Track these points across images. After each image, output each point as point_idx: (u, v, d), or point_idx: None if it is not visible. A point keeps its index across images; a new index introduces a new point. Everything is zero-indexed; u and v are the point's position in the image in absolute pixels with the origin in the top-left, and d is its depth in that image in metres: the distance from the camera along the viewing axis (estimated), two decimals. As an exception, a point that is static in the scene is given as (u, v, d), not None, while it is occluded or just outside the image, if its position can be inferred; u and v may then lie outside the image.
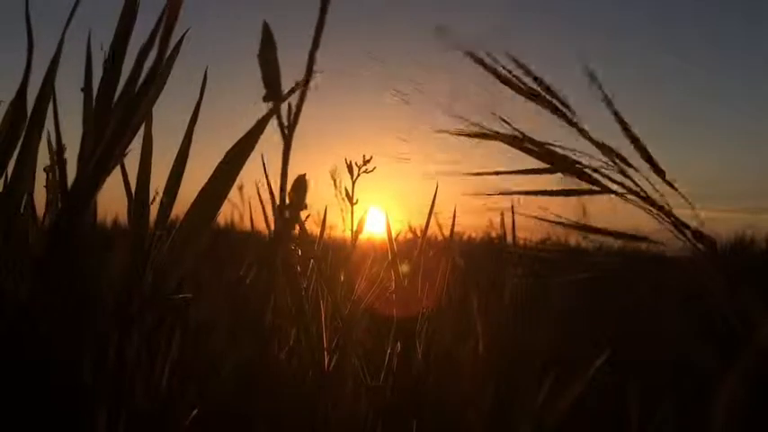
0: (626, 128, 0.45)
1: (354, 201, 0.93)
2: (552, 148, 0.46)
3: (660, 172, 0.45)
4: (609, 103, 0.45)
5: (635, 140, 0.45)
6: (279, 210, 0.49)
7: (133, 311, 0.54)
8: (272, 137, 0.46)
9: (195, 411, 0.61)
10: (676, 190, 0.45)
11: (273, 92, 0.45)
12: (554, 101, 0.46)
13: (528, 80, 0.46)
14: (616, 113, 0.45)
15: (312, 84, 0.45)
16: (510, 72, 0.45)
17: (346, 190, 0.93)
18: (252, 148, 0.55)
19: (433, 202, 0.76)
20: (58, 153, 0.58)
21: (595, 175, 0.46)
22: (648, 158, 0.45)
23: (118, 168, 0.57)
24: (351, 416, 0.69)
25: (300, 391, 0.68)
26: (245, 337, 0.61)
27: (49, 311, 0.50)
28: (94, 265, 0.53)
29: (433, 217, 0.77)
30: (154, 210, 0.58)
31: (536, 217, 0.47)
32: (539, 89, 0.45)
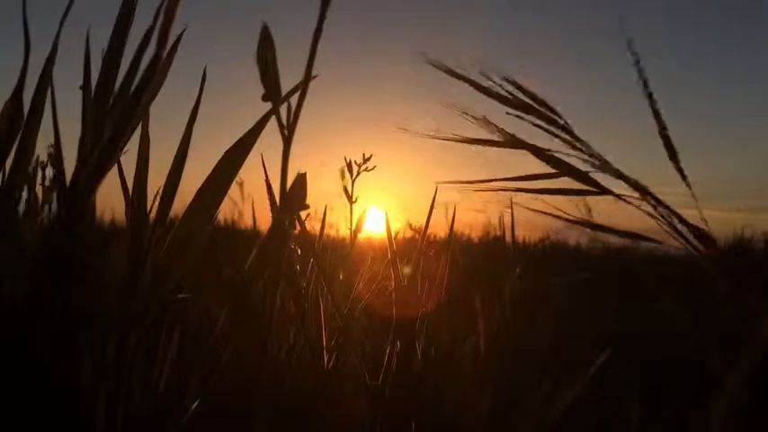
0: (665, 136, 0.45)
1: (354, 199, 0.93)
2: (553, 153, 0.46)
3: (685, 178, 0.45)
4: (656, 111, 0.45)
5: (672, 151, 0.45)
6: (277, 208, 0.49)
7: (132, 311, 0.53)
8: (272, 136, 0.46)
9: (194, 411, 0.61)
10: (690, 188, 0.45)
11: (272, 92, 0.45)
12: (549, 113, 0.46)
13: (520, 95, 0.46)
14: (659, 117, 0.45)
15: (311, 84, 0.45)
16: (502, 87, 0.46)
17: (345, 188, 0.93)
18: (251, 146, 0.54)
19: (433, 201, 0.75)
20: (56, 151, 0.58)
21: (595, 177, 0.46)
22: (677, 165, 0.45)
23: (116, 166, 0.57)
24: (350, 415, 0.69)
25: (300, 390, 0.68)
26: (244, 336, 0.61)
27: (48, 311, 0.50)
28: (93, 265, 0.53)
29: (432, 216, 0.77)
30: (153, 208, 0.58)
31: (539, 211, 0.46)
32: (532, 103, 0.46)
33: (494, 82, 0.46)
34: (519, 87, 0.46)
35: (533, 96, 0.46)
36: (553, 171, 0.46)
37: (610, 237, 0.47)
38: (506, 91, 0.46)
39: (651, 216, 0.45)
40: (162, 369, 0.62)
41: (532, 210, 0.47)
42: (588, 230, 0.47)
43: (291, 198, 0.48)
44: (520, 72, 0.46)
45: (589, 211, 0.46)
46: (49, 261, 0.50)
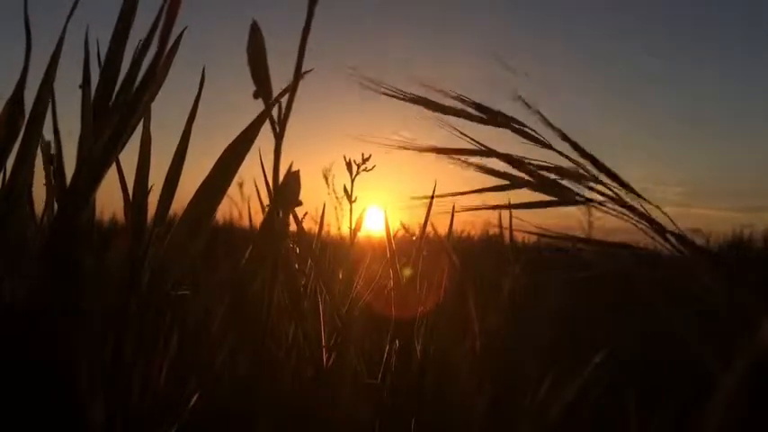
0: (580, 149, 0.45)
1: (353, 198, 0.93)
2: (529, 162, 0.47)
3: (626, 186, 0.45)
4: (561, 132, 0.45)
5: (593, 159, 0.45)
6: (269, 205, 0.49)
7: (131, 310, 0.53)
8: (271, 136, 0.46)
9: (193, 410, 0.61)
10: (646, 200, 0.45)
11: (263, 89, 0.45)
12: (513, 124, 0.47)
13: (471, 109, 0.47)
14: (568, 139, 0.45)
15: (302, 82, 0.45)
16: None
17: (345, 188, 0.93)
18: (250, 145, 0.55)
19: (431, 201, 0.75)
20: (56, 150, 0.58)
21: (571, 186, 0.46)
22: (610, 173, 0.46)
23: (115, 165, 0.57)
24: (349, 414, 0.69)
25: (299, 390, 0.68)
26: (243, 335, 0.61)
27: (47, 310, 0.50)
28: (92, 264, 0.53)
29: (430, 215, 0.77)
30: (152, 207, 0.58)
31: (524, 231, 0.47)
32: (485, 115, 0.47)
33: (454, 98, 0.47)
34: (481, 107, 0.47)
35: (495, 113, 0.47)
36: (530, 180, 0.47)
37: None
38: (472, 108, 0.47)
39: (629, 221, 0.46)
40: (161, 368, 0.62)
41: (517, 230, 0.47)
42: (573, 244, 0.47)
43: (284, 193, 0.48)
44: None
45: (589, 222, 0.47)
46: (49, 260, 0.50)
